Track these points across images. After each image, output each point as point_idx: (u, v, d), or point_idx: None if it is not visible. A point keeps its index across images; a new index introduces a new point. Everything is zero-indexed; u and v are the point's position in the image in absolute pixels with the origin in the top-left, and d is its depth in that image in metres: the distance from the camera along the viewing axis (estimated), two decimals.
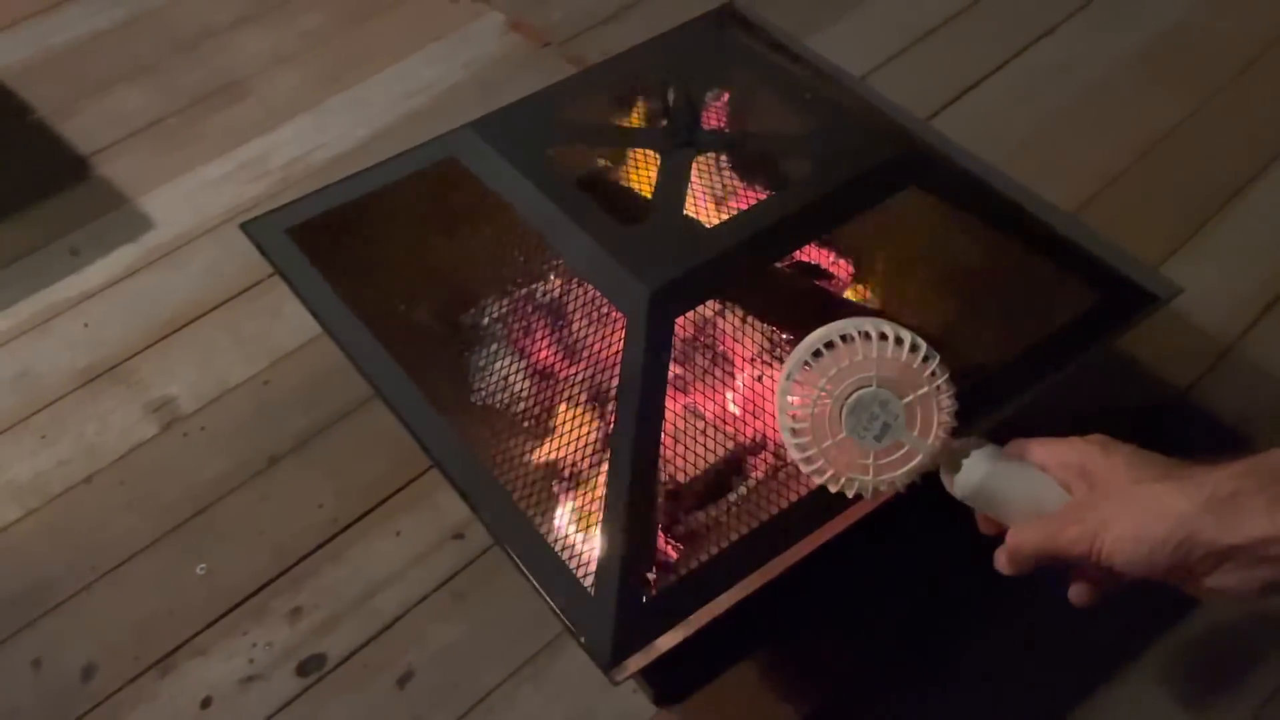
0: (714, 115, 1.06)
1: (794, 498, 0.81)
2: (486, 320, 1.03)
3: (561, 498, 0.90)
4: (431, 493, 1.12)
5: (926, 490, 0.71)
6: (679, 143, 0.95)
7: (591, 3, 1.70)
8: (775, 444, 0.91)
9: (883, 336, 0.69)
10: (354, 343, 0.93)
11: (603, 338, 0.89)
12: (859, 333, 0.69)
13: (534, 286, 1.02)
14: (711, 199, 0.97)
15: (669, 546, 0.88)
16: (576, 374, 0.91)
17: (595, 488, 0.88)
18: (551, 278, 1.00)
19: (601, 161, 1.03)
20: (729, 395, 0.92)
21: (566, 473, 0.92)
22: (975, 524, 0.72)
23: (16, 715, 0.99)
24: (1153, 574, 0.61)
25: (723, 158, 1.00)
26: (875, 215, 0.94)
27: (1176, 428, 1.14)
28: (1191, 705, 0.95)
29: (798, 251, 1.01)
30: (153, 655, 1.02)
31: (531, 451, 0.93)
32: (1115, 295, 0.92)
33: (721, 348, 0.93)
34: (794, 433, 0.69)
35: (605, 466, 0.83)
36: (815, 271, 1.04)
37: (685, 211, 0.91)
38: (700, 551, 0.79)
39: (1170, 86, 1.51)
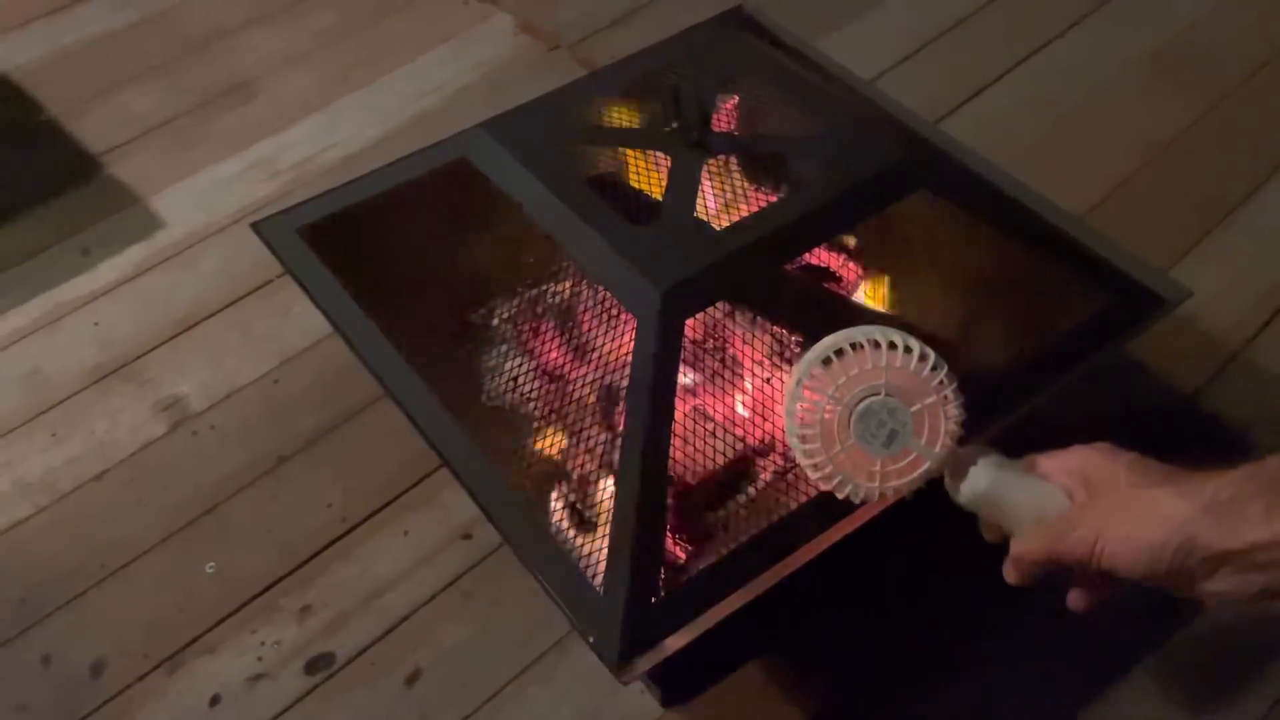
0: (724, 117, 1.06)
1: (802, 499, 0.81)
2: (496, 320, 1.03)
3: (570, 498, 0.90)
4: (440, 492, 1.12)
5: (935, 495, 0.71)
6: (689, 144, 0.95)
7: (601, 5, 1.70)
8: (784, 446, 0.91)
9: (891, 345, 0.69)
10: (364, 342, 0.93)
11: (612, 338, 0.89)
12: (868, 341, 0.69)
13: (544, 287, 1.02)
14: (721, 201, 0.97)
15: (678, 547, 0.88)
16: (586, 374, 0.91)
17: (604, 488, 0.88)
18: (561, 278, 1.01)
19: (612, 163, 1.03)
20: (738, 397, 0.92)
21: (575, 473, 0.92)
22: (980, 530, 0.72)
23: (26, 711, 0.99)
24: (1152, 579, 0.61)
25: (733, 160, 1.00)
26: (885, 218, 0.94)
27: (1184, 432, 1.14)
28: (1201, 708, 0.95)
29: (808, 254, 1.01)
30: (162, 653, 1.02)
31: (541, 452, 0.93)
32: (1124, 299, 0.92)
33: (731, 349, 0.93)
34: (802, 439, 0.70)
35: (615, 467, 0.84)
36: (825, 274, 1.04)
37: (695, 213, 0.91)
38: (709, 553, 0.80)
39: (1179, 90, 1.51)
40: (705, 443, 0.88)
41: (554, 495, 0.91)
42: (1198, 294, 0.92)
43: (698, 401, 0.92)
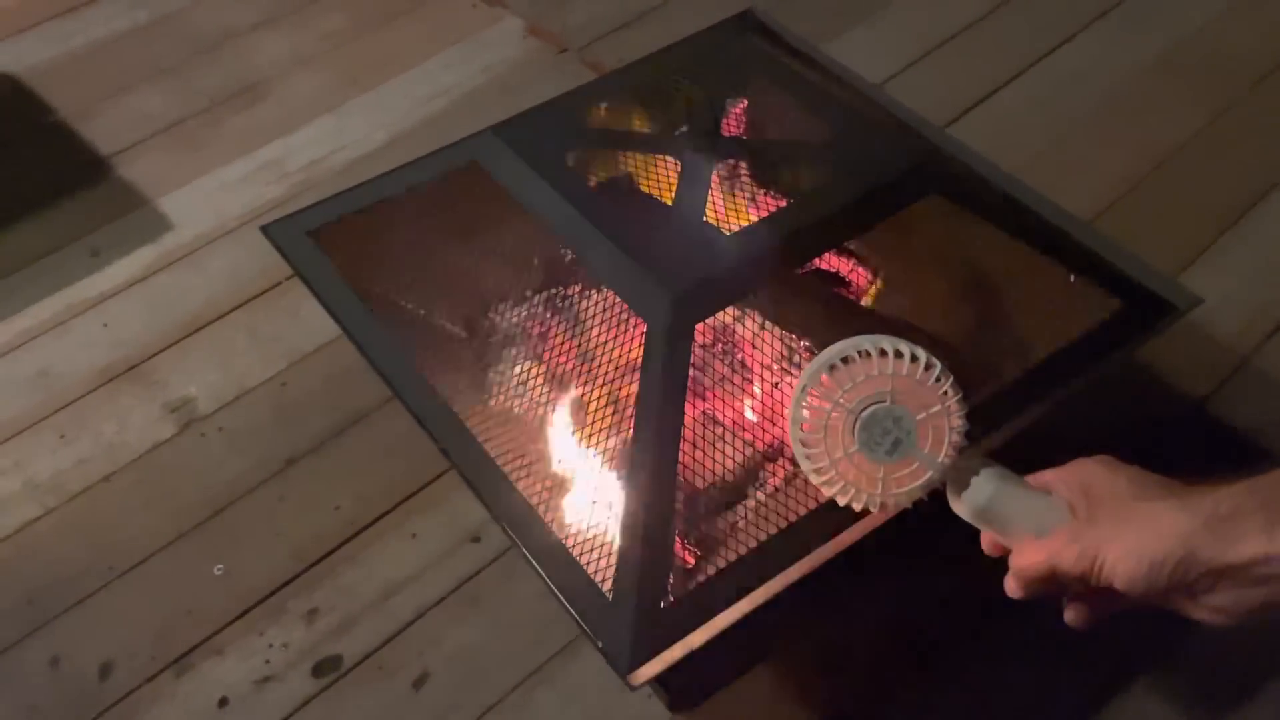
0: (733, 121, 1.06)
1: (811, 505, 0.81)
2: (505, 324, 1.03)
3: (579, 502, 0.90)
4: (448, 495, 1.12)
5: (943, 503, 0.71)
6: (699, 148, 0.95)
7: (609, 8, 1.70)
8: (792, 452, 0.91)
9: (898, 354, 0.69)
10: (373, 345, 0.93)
11: (622, 343, 0.89)
12: (875, 349, 0.69)
13: (554, 290, 1.02)
14: (731, 206, 0.97)
15: (686, 552, 0.88)
16: (596, 378, 0.91)
17: (614, 493, 0.88)
18: (571, 282, 1.01)
19: (622, 167, 1.03)
20: (747, 402, 0.92)
21: (585, 478, 0.92)
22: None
23: (34, 713, 0.99)
24: (1152, 593, 0.61)
25: (742, 164, 1.00)
26: (893, 223, 0.94)
27: (1192, 438, 1.14)
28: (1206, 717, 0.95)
29: (817, 259, 1.01)
30: (170, 655, 1.03)
31: (549, 456, 0.93)
32: (1134, 305, 0.92)
33: (741, 354, 0.93)
34: (805, 444, 0.70)
35: (624, 471, 0.84)
36: (834, 279, 1.04)
37: (705, 218, 0.91)
38: (718, 558, 0.80)
39: (1188, 96, 1.50)
40: (714, 447, 0.88)
41: (563, 499, 0.91)
42: (1206, 300, 0.92)
43: (707, 406, 0.92)
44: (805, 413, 0.70)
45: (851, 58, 1.14)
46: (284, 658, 1.02)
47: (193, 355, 1.28)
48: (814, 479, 0.71)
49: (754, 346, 0.92)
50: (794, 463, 0.89)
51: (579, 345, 0.96)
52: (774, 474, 0.92)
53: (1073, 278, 0.94)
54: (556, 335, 0.99)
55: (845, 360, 0.69)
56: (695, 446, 0.87)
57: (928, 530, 0.81)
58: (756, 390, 0.92)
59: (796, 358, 0.92)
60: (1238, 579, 0.58)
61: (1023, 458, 0.73)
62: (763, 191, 1.00)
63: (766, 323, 0.92)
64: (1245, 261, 1.30)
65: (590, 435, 0.91)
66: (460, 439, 0.86)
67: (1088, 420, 1.02)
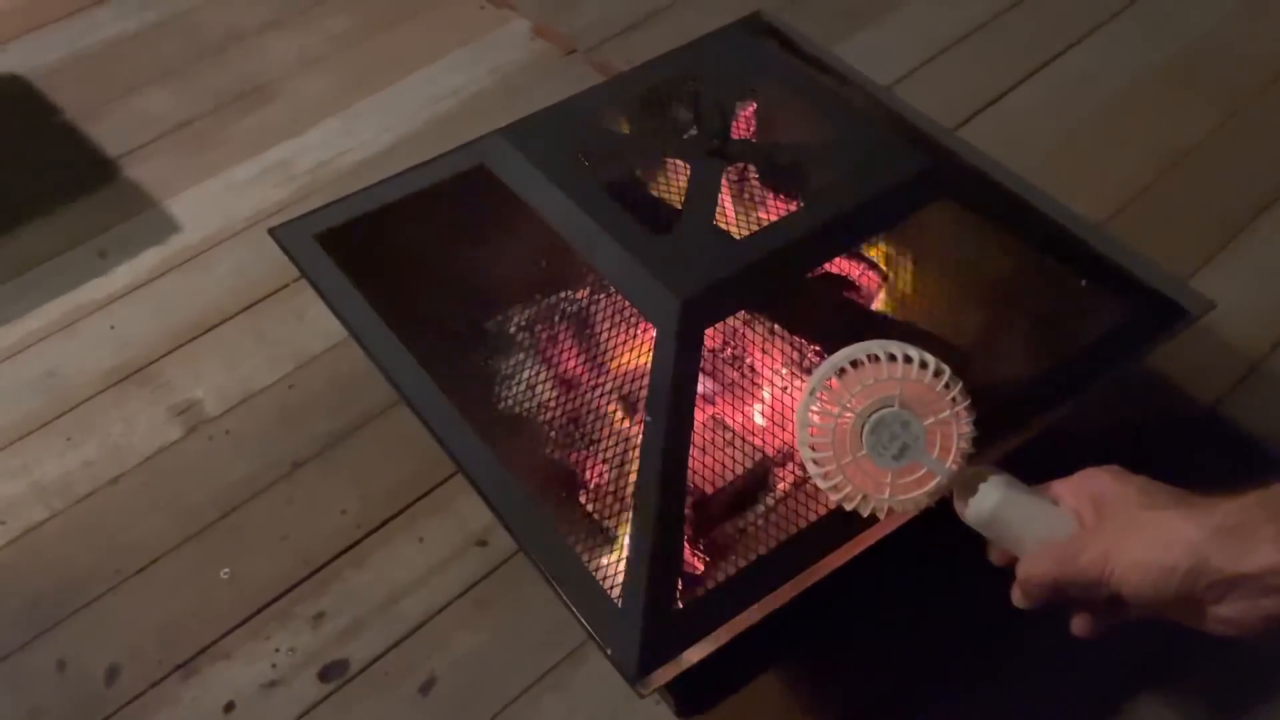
0: (743, 124, 1.06)
1: (822, 511, 0.80)
2: (513, 327, 1.03)
3: (588, 508, 0.90)
4: (455, 499, 1.11)
5: (949, 512, 0.71)
6: (709, 152, 0.95)
7: (617, 10, 1.70)
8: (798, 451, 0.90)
9: (907, 359, 0.69)
10: (380, 348, 0.93)
11: (631, 347, 0.88)
12: (885, 354, 0.69)
13: (562, 294, 1.01)
14: (741, 209, 0.97)
15: (695, 558, 0.88)
16: (604, 383, 0.91)
17: (622, 498, 0.87)
18: (580, 286, 1.00)
19: (631, 170, 1.03)
20: (757, 407, 0.92)
21: (593, 482, 0.91)
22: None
23: (40, 717, 0.99)
24: (1160, 603, 0.61)
25: (752, 167, 1.00)
26: (903, 227, 0.94)
27: (1203, 444, 1.13)
28: None
29: (827, 263, 1.00)
30: (176, 659, 1.02)
31: (557, 460, 0.93)
32: (1146, 310, 0.91)
33: (750, 359, 0.93)
34: (812, 448, 0.70)
35: (632, 477, 0.83)
36: (844, 283, 1.04)
37: (715, 222, 0.91)
38: (728, 564, 0.79)
39: (1199, 98, 1.50)
40: (724, 453, 0.87)
41: (571, 504, 0.91)
42: (1218, 304, 0.91)
43: (716, 410, 0.92)
44: (813, 417, 0.69)
45: (860, 60, 1.14)
46: (290, 662, 1.02)
47: (200, 358, 1.28)
48: (820, 484, 0.70)
49: (763, 351, 0.92)
50: (802, 467, 0.89)
51: (587, 349, 0.96)
52: (784, 479, 0.91)
53: (1084, 282, 0.94)
54: (565, 339, 0.98)
55: (854, 364, 0.69)
56: (704, 451, 0.87)
57: (939, 540, 0.80)
58: (766, 395, 0.92)
59: (806, 362, 0.92)
60: (1248, 590, 0.58)
61: (1031, 463, 0.73)
62: (772, 195, 0.99)
63: (776, 327, 0.92)
64: (1257, 265, 1.29)
65: (598, 439, 0.91)
66: (467, 443, 0.86)
67: (1097, 425, 1.02)
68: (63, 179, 1.49)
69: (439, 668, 1.01)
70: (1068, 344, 0.90)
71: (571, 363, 0.97)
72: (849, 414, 0.69)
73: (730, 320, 0.90)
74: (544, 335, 1.00)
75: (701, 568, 0.87)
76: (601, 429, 0.92)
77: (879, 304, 1.04)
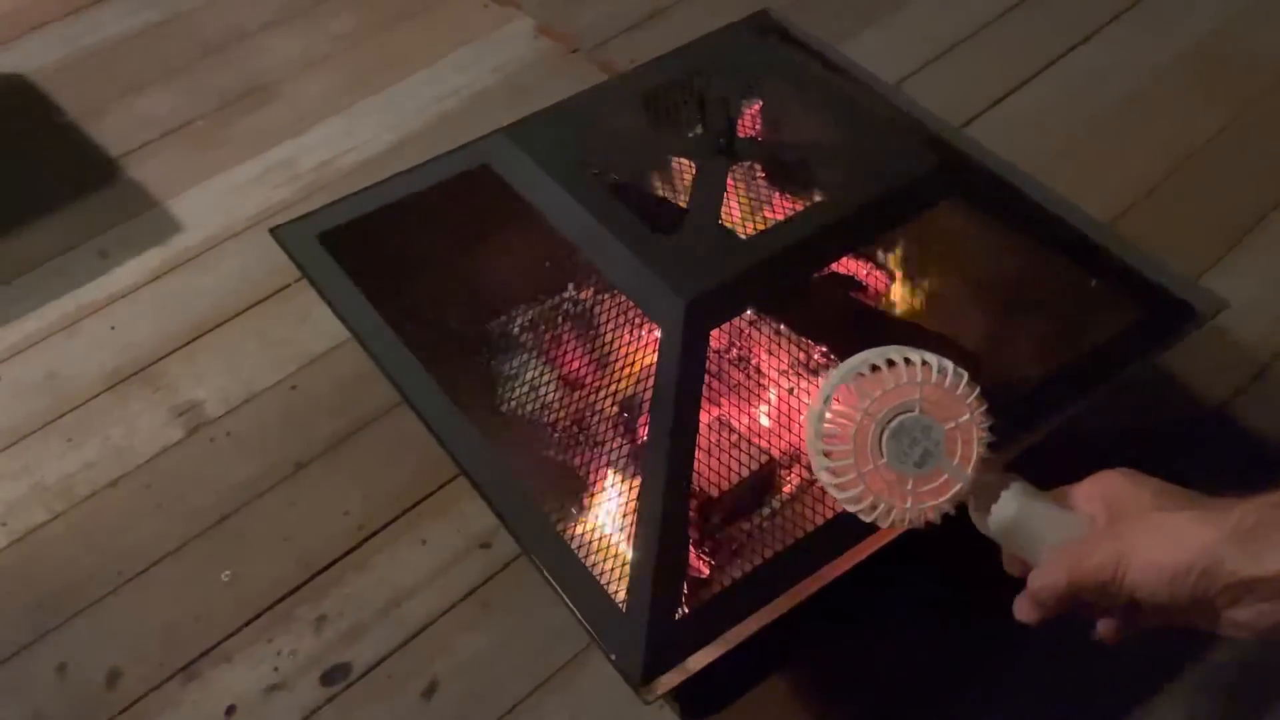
0: (748, 123, 1.05)
1: (828, 514, 0.79)
2: (517, 328, 1.02)
3: (591, 511, 0.89)
4: (458, 501, 1.11)
5: (962, 514, 0.70)
6: (715, 151, 0.94)
7: (622, 8, 1.69)
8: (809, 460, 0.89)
9: (924, 364, 0.67)
10: (382, 349, 0.92)
11: (635, 348, 0.88)
12: (901, 359, 0.67)
13: (565, 295, 1.01)
14: (747, 209, 0.96)
15: (701, 561, 0.87)
16: (608, 384, 0.90)
17: (626, 501, 0.87)
18: (584, 286, 0.99)
19: (635, 169, 1.02)
20: (763, 409, 0.91)
21: (597, 485, 0.91)
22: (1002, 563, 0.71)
23: None
24: (1174, 605, 0.60)
25: (758, 167, 0.99)
26: (911, 226, 0.93)
27: (1213, 444, 1.12)
28: None
29: (834, 263, 0.99)
30: (177, 662, 1.01)
31: (561, 463, 0.92)
32: (1157, 310, 0.90)
33: (756, 360, 0.92)
34: (829, 457, 0.67)
35: (637, 480, 0.82)
36: (851, 283, 1.03)
37: (721, 222, 0.90)
38: (733, 568, 0.78)
39: (1208, 96, 1.48)
40: (729, 455, 0.86)
41: (574, 507, 0.90)
42: (1230, 304, 0.91)
43: (721, 412, 0.91)
44: (828, 425, 0.67)
45: (867, 58, 1.13)
46: (292, 665, 1.01)
47: (201, 358, 1.27)
48: (838, 495, 0.68)
49: (769, 352, 0.91)
50: (811, 471, 0.88)
51: (591, 350, 0.95)
52: (790, 481, 0.90)
53: (1094, 282, 0.93)
54: (568, 340, 0.97)
55: (874, 368, 0.67)
56: (710, 454, 0.86)
57: (947, 546, 0.79)
58: (772, 397, 0.91)
59: (813, 363, 0.91)
60: (1263, 593, 0.57)
61: (1041, 465, 0.72)
62: (778, 194, 0.98)
63: (782, 328, 0.91)
64: (1267, 264, 1.28)
65: (603, 442, 0.90)
66: (470, 445, 0.85)
67: (1106, 426, 1.01)
68: (64, 178, 1.49)
69: (442, 672, 1.00)
70: (1078, 344, 0.89)
71: (575, 364, 0.96)
72: (869, 420, 0.67)
73: (736, 321, 0.89)
74: (547, 336, 0.99)
75: (706, 571, 0.86)
76: (605, 431, 0.91)
77: (886, 304, 1.03)
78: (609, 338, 0.90)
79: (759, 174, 0.99)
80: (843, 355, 0.69)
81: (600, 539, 0.85)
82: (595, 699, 0.97)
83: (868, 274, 1.03)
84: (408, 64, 1.63)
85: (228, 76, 1.64)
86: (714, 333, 0.83)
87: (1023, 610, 0.67)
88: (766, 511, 0.88)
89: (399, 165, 1.06)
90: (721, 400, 0.91)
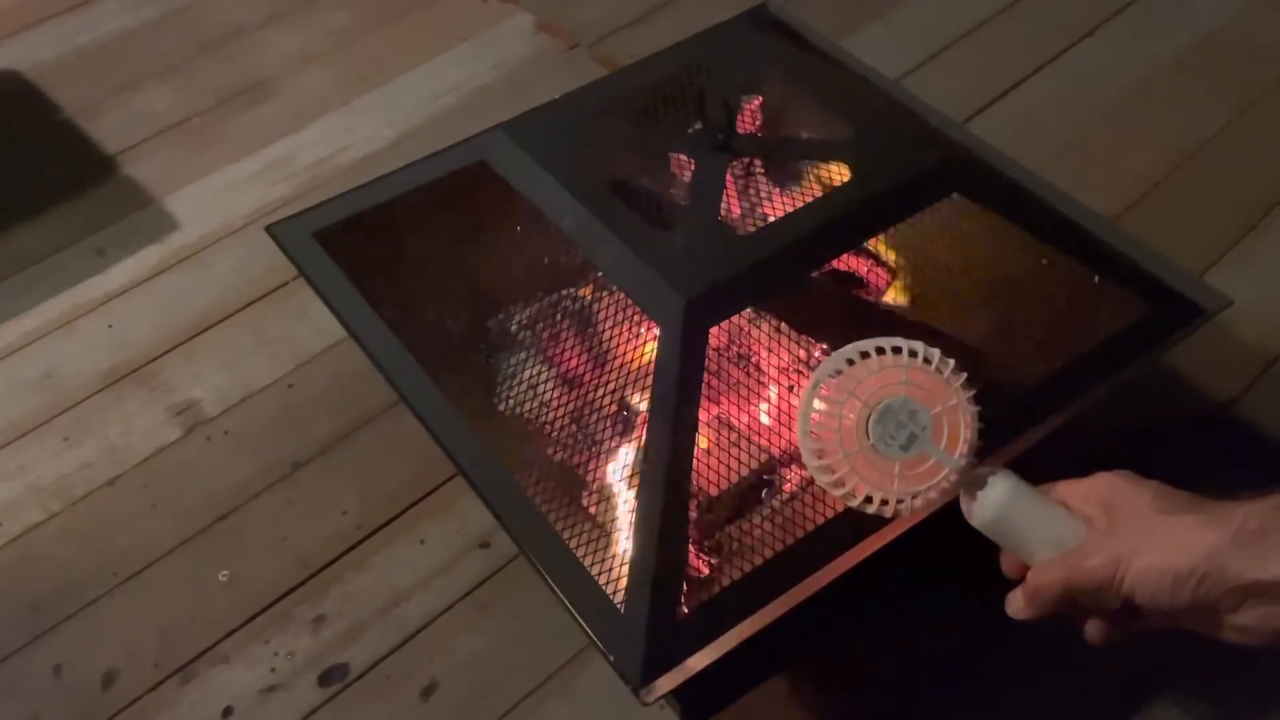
0: (748, 119, 1.04)
1: (830, 514, 0.79)
2: (515, 327, 1.01)
3: (590, 511, 0.88)
4: (457, 500, 1.10)
5: (959, 512, 0.69)
6: (714, 147, 0.93)
7: (621, 4, 1.68)
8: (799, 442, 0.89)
9: (912, 353, 0.68)
10: (379, 348, 0.91)
11: (635, 347, 0.87)
12: (890, 348, 0.68)
13: (564, 293, 1.00)
14: (747, 206, 0.95)
15: (700, 562, 0.86)
16: (607, 383, 0.89)
17: (626, 501, 0.86)
18: (582, 284, 0.99)
19: (634, 165, 1.01)
20: (763, 407, 0.90)
21: (595, 485, 0.90)
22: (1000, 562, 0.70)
23: None
24: (1175, 609, 0.59)
25: (758, 163, 0.98)
26: (913, 223, 0.92)
27: (1218, 442, 1.11)
28: None
29: (834, 260, 0.99)
30: (174, 663, 1.01)
31: (559, 462, 0.91)
32: (1161, 307, 0.89)
33: (756, 357, 0.91)
34: (816, 439, 0.68)
35: (636, 479, 0.82)
36: (852, 280, 1.02)
37: (720, 218, 0.89)
38: (733, 568, 0.77)
39: (1212, 91, 1.48)
40: (729, 454, 0.85)
41: (573, 506, 0.89)
42: (1234, 300, 0.90)
43: (721, 411, 0.90)
44: (817, 407, 0.68)
45: (868, 53, 1.12)
46: (290, 666, 1.00)
47: (199, 357, 1.26)
48: (821, 478, 0.68)
49: (769, 350, 0.90)
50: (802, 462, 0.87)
51: (590, 349, 0.94)
52: (791, 480, 0.89)
53: (1097, 278, 0.92)
54: (567, 338, 0.97)
55: (863, 355, 0.68)
56: (709, 453, 0.85)
57: (947, 548, 0.79)
58: (772, 395, 0.90)
59: (813, 361, 0.90)
60: (1265, 597, 0.57)
61: (1043, 463, 0.71)
62: (778, 191, 0.98)
63: (783, 325, 0.90)
64: (1271, 261, 1.27)
65: (601, 441, 0.89)
66: (467, 444, 0.84)
67: (1108, 423, 1.00)
68: (61, 176, 1.48)
69: (440, 672, 0.99)
70: (1081, 342, 0.88)
71: (574, 362, 0.95)
72: (856, 401, 0.67)
73: (736, 318, 0.88)
74: (546, 334, 0.98)
75: (706, 571, 0.85)
76: (604, 430, 0.90)
77: (888, 301, 1.02)
78: (607, 336, 0.89)
79: (759, 170, 0.98)
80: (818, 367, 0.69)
81: (599, 539, 0.84)
82: (595, 699, 0.96)
83: (869, 271, 1.02)
84: (406, 60, 1.62)
85: (225, 73, 1.63)
86: (713, 330, 0.82)
87: (1015, 607, 0.66)
88: (767, 511, 0.87)
89: (397, 162, 1.06)
90: (721, 399, 0.90)
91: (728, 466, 0.85)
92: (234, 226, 1.40)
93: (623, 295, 0.88)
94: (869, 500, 0.68)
